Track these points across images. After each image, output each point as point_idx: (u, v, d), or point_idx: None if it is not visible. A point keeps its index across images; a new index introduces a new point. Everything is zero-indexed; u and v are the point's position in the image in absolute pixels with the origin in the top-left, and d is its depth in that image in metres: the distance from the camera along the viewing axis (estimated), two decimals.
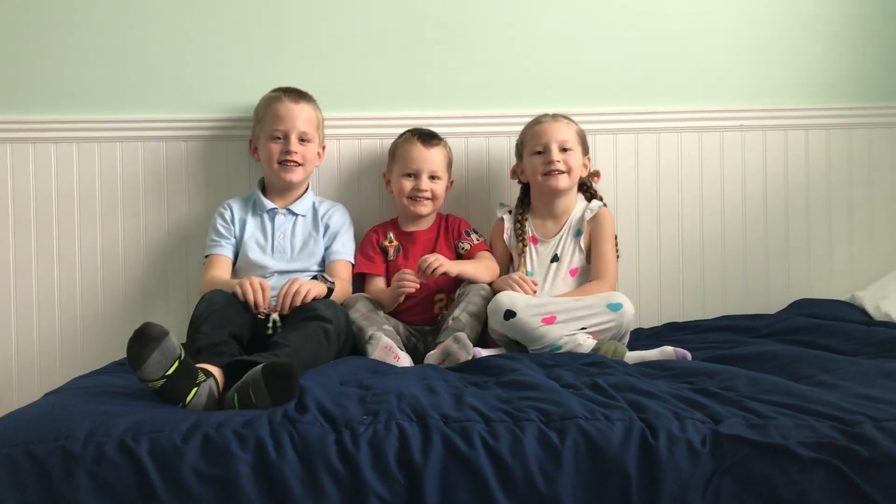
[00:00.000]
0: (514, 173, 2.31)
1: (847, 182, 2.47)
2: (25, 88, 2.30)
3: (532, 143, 2.22)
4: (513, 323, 1.95)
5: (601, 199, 2.29)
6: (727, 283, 2.45)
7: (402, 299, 2.10)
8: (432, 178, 2.22)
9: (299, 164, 2.17)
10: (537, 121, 2.24)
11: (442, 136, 2.27)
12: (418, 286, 2.06)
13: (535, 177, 2.22)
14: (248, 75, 2.32)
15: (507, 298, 1.98)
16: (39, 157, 2.29)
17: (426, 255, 2.07)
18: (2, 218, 2.29)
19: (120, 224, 2.31)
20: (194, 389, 1.47)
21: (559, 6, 2.40)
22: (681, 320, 2.36)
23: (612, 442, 1.31)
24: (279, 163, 2.16)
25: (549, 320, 1.95)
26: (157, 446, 1.28)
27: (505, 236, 2.27)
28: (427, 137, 2.23)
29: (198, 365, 1.55)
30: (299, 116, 2.17)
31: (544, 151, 2.18)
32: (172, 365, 1.45)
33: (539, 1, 2.40)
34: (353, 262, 2.23)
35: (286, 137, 2.16)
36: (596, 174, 2.33)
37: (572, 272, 2.21)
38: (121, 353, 2.00)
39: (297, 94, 2.20)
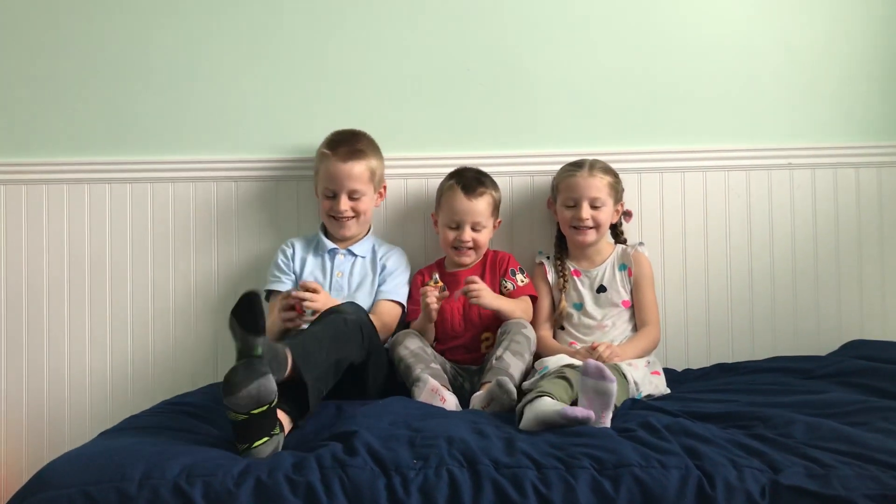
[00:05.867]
0: (550, 204, 2.34)
1: None
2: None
3: (565, 195, 2.24)
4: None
5: (625, 241, 2.31)
6: (777, 323, 2.40)
7: (435, 315, 2.08)
8: (475, 228, 2.22)
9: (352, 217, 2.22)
10: (572, 172, 2.24)
11: (487, 180, 2.25)
12: (437, 300, 2.05)
13: (566, 227, 2.26)
14: (304, 118, 2.37)
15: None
16: (116, 196, 2.37)
17: (474, 277, 2.08)
18: (78, 258, 2.36)
19: (192, 261, 2.37)
20: (265, 438, 1.46)
21: (611, 46, 2.41)
22: (730, 361, 2.32)
23: (668, 491, 1.29)
24: (330, 216, 2.23)
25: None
26: (211, 490, 1.29)
27: (549, 277, 2.28)
28: (471, 188, 2.21)
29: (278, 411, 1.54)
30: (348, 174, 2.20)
31: (575, 206, 2.21)
32: (262, 406, 1.45)
33: (593, 40, 2.42)
34: (403, 303, 2.22)
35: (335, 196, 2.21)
36: (627, 214, 2.34)
37: (624, 303, 2.21)
38: (170, 393, 2.05)
39: (348, 152, 2.21)
